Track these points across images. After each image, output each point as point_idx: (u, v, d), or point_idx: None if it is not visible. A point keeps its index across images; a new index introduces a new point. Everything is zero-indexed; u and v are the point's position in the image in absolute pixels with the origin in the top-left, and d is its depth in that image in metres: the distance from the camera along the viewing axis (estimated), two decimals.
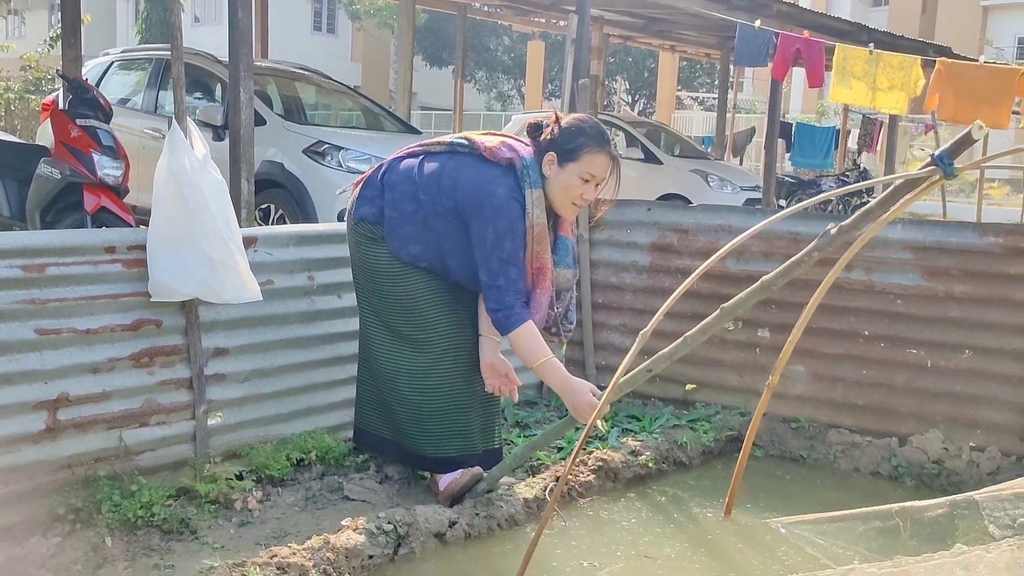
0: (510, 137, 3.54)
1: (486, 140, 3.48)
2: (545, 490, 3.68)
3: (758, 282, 2.91)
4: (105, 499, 3.27)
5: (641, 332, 2.94)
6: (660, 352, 3.08)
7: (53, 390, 3.26)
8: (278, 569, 2.80)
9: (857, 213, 2.78)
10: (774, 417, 4.52)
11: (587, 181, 3.35)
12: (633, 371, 3.07)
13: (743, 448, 3.53)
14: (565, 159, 3.36)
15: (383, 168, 3.63)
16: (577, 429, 4.43)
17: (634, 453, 4.12)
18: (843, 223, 2.78)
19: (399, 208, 3.49)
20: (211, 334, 3.69)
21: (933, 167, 2.69)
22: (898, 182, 2.85)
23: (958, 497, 3.29)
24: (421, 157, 3.56)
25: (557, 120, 3.41)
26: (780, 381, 4.43)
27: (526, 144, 3.48)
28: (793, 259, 2.85)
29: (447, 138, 3.59)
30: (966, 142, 2.68)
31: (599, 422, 4.43)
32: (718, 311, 2.97)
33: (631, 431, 4.49)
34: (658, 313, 2.90)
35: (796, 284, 4.41)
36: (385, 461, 3.91)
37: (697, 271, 2.93)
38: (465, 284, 3.52)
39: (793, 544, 3.42)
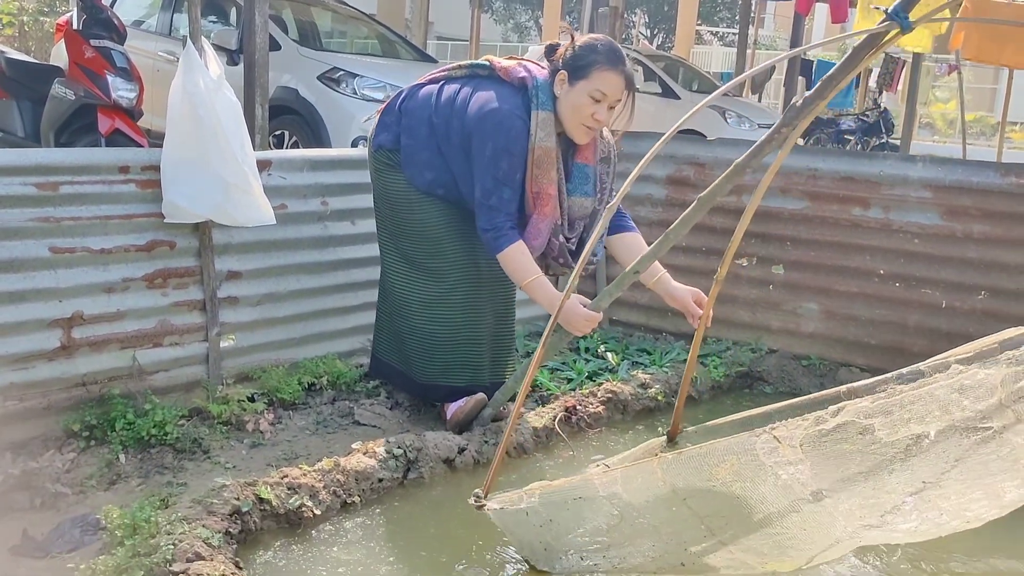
0: (530, 61, 3.47)
1: (504, 62, 3.43)
2: (554, 420, 3.70)
3: (731, 165, 2.88)
4: (119, 417, 3.31)
5: (608, 206, 2.89)
6: (643, 252, 3.06)
7: (67, 308, 3.27)
8: (289, 489, 2.83)
9: (820, 82, 2.74)
10: (784, 354, 4.52)
11: (598, 100, 3.25)
12: (621, 275, 3.08)
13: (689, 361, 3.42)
14: (576, 77, 3.27)
15: (403, 95, 3.58)
16: (575, 351, 4.47)
17: (643, 386, 4.14)
18: (807, 94, 2.74)
19: (414, 134, 3.45)
20: (224, 257, 3.69)
21: (889, 22, 2.65)
22: (859, 42, 2.78)
23: (904, 370, 3.28)
24: (441, 82, 3.51)
25: (572, 40, 3.34)
26: (792, 318, 4.45)
27: (543, 67, 3.42)
28: (762, 138, 2.81)
29: (467, 62, 3.53)
30: None
31: (609, 354, 4.48)
32: (695, 202, 2.94)
33: (641, 364, 4.50)
34: (629, 181, 2.84)
35: (812, 221, 4.39)
36: (396, 388, 3.94)
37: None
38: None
39: None
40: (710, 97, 2.99)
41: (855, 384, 3.33)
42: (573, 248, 3.49)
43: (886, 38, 2.62)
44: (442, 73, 3.56)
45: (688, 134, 10.89)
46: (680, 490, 2.62)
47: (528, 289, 3.30)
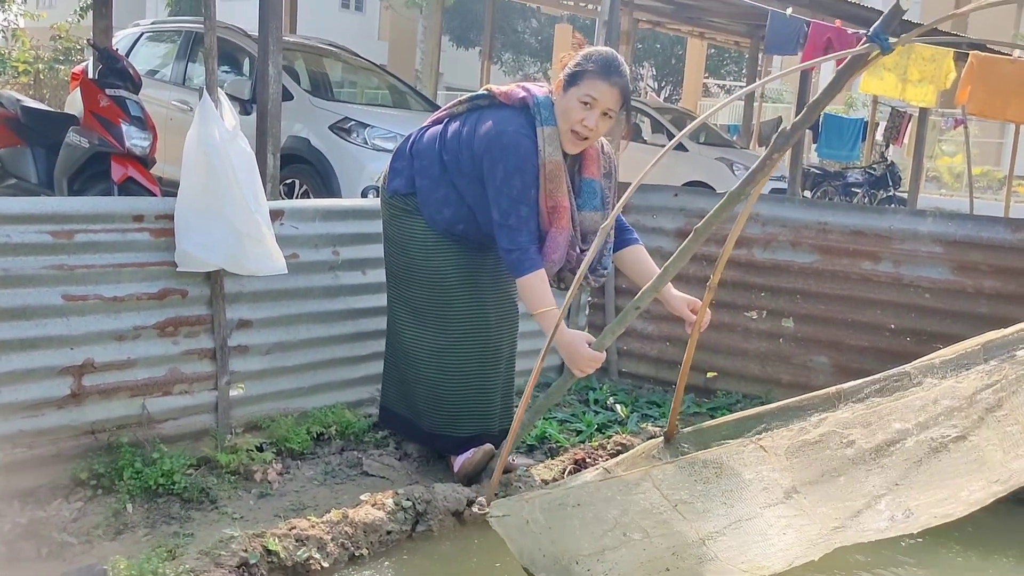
0: (528, 83, 3.52)
1: (502, 87, 3.50)
2: (563, 472, 3.68)
3: (726, 195, 2.92)
4: (127, 466, 3.30)
5: (601, 227, 3.00)
6: (645, 287, 3.12)
7: (79, 356, 3.28)
8: (297, 541, 2.81)
9: (806, 108, 2.79)
10: None
11: (587, 105, 3.27)
12: (622, 312, 3.13)
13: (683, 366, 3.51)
14: (568, 84, 3.32)
15: (411, 139, 3.63)
16: (584, 403, 4.45)
17: (653, 438, 4.10)
18: (796, 119, 2.78)
19: (428, 174, 3.49)
20: (235, 305, 3.70)
21: (870, 44, 2.69)
22: (841, 67, 2.84)
23: (892, 371, 3.40)
24: (445, 121, 3.57)
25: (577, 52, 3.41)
26: (803, 372, 4.43)
27: (543, 87, 3.48)
28: (755, 165, 2.86)
29: (467, 95, 3.58)
30: (897, 15, 2.73)
31: (619, 406, 4.46)
32: (692, 232, 2.99)
33: (651, 417, 4.47)
34: (619, 204, 2.91)
35: (823, 274, 4.39)
36: (404, 438, 3.92)
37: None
38: (495, 258, 3.51)
39: None
40: (675, 140, 3.07)
41: (844, 385, 3.41)
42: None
43: (868, 59, 2.68)
44: (444, 112, 3.62)
45: (697, 186, 10.99)
46: (671, 497, 2.70)
47: (540, 318, 3.29)
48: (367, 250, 4.13)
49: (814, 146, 14.73)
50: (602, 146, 3.54)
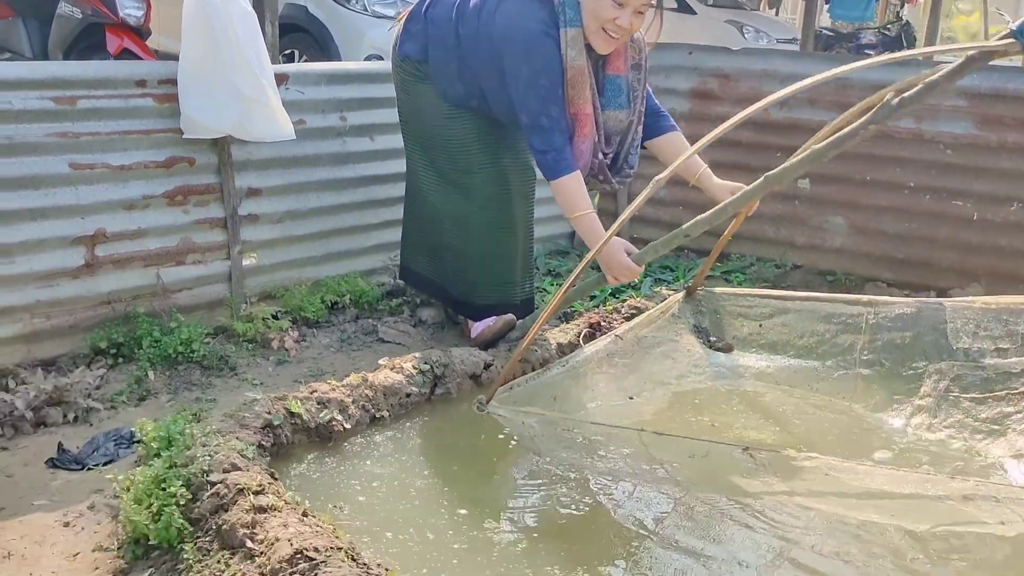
0: None
1: None
2: (579, 335, 3.68)
3: (808, 152, 2.75)
4: (145, 335, 3.31)
5: (655, 179, 2.81)
6: (699, 217, 2.95)
7: (90, 225, 3.24)
8: (318, 404, 2.83)
9: (921, 84, 2.59)
10: (810, 270, 4.47)
11: (620, 4, 3.07)
12: (669, 234, 2.98)
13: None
14: None
15: (427, 1, 3.46)
16: (596, 269, 4.43)
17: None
18: (905, 94, 2.60)
19: (442, 44, 3.34)
20: (244, 173, 3.64)
21: (1011, 40, 2.50)
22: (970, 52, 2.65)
23: (929, 300, 3.32)
24: None
25: None
26: (818, 233, 4.40)
27: None
28: (847, 130, 2.68)
29: None
30: None
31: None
32: (762, 179, 2.83)
33: (664, 281, 4.47)
34: (675, 163, 2.76)
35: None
36: (420, 304, 3.92)
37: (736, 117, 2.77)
38: (512, 127, 3.41)
39: None
40: None
41: (877, 298, 3.34)
42: (610, 163, 3.40)
43: (997, 55, 2.48)
44: None
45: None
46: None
47: (577, 223, 3.18)
48: (375, 115, 4.03)
49: (826, 6, 14.25)
50: (632, 35, 3.31)
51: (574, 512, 2.48)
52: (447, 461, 2.77)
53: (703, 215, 2.89)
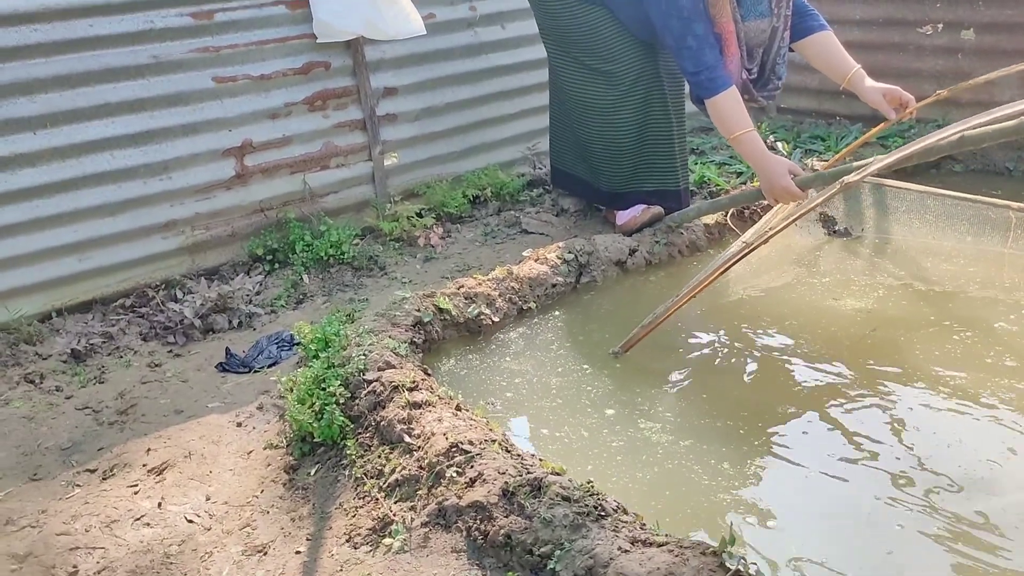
0: None
1: None
2: (726, 215, 3.58)
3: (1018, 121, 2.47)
4: (298, 239, 3.43)
5: (843, 181, 2.58)
6: (882, 159, 2.65)
7: (237, 137, 3.35)
8: (466, 299, 2.87)
9: None
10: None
11: None
12: (839, 167, 2.75)
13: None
14: None
15: None
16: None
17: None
18: None
19: None
20: (379, 73, 3.65)
21: None
22: None
23: None
24: None
25: None
26: (986, 89, 4.03)
27: None
28: None
29: None
30: None
31: (780, 144, 4.25)
32: (958, 138, 2.56)
33: (815, 151, 4.25)
34: (872, 167, 2.52)
35: None
36: (560, 195, 3.89)
37: None
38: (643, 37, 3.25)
39: None
40: None
41: None
42: (754, 78, 3.20)
43: None
44: None
45: None
46: None
47: (737, 142, 3.00)
48: (505, 2, 3.95)
49: None
50: None
51: (726, 413, 2.40)
52: (593, 357, 2.74)
53: (884, 160, 2.62)
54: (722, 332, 2.77)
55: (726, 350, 2.66)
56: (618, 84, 3.38)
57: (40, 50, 2.93)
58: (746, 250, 2.53)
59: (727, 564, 1.51)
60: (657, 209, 3.47)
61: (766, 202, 3.20)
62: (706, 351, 2.68)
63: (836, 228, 3.44)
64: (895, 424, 2.21)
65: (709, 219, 3.53)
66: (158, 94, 3.15)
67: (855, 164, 2.76)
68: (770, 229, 2.54)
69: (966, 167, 4.09)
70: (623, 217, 3.54)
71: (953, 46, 4.13)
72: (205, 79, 3.24)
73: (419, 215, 3.71)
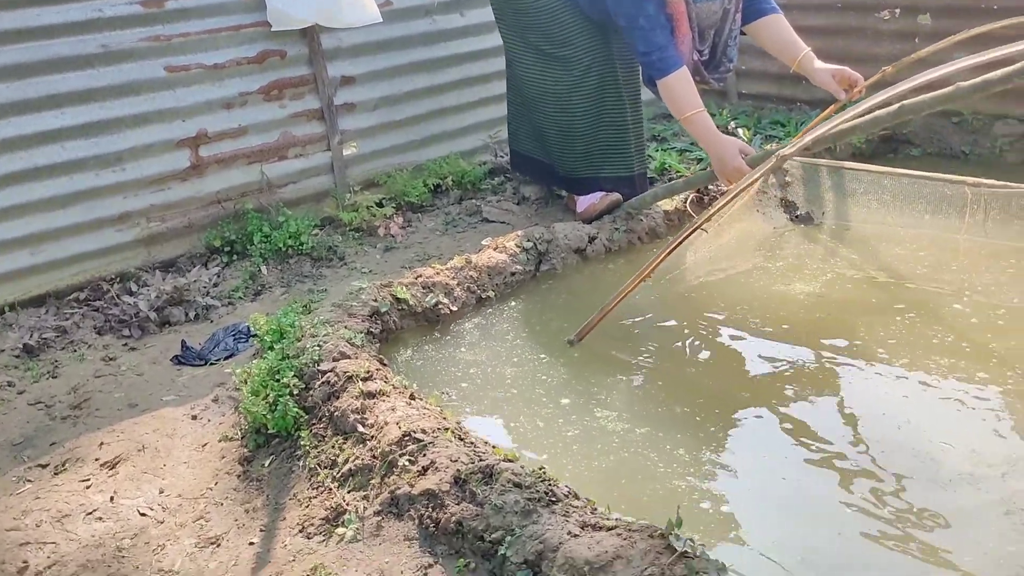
0: None
1: None
2: (685, 202, 3.58)
3: (952, 87, 2.47)
4: (256, 231, 3.40)
5: (777, 154, 2.58)
6: (822, 131, 2.65)
7: (191, 127, 3.31)
8: (424, 288, 2.85)
9: None
10: (931, 113, 4.17)
11: None
12: (800, 141, 2.77)
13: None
14: None
15: None
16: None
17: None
18: None
19: None
20: (336, 62, 3.62)
21: None
22: None
23: None
24: None
25: None
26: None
27: None
28: (996, 74, 2.39)
29: None
30: None
31: (741, 130, 4.26)
32: (897, 107, 2.57)
33: (775, 137, 4.27)
34: (806, 139, 2.53)
35: None
36: (523, 181, 3.88)
37: None
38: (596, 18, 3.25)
39: None
40: None
41: (982, 180, 3.02)
42: (706, 59, 3.21)
43: None
44: None
45: None
46: None
47: (689, 123, 3.02)
48: None
49: None
50: None
51: (682, 400, 2.40)
52: (550, 346, 2.73)
53: (827, 131, 2.63)
54: (678, 320, 2.78)
55: (682, 338, 2.67)
56: (572, 69, 3.38)
57: None
58: (691, 229, 2.53)
59: (674, 546, 1.52)
60: (615, 196, 3.48)
61: (722, 186, 3.20)
62: (662, 339, 2.69)
63: (798, 213, 3.46)
64: (846, 408, 2.24)
65: (669, 205, 3.54)
66: (108, 84, 3.11)
67: (809, 139, 2.78)
68: (715, 209, 2.55)
69: (923, 151, 4.12)
70: (582, 204, 3.54)
71: (909, 31, 4.16)
72: (157, 68, 3.20)
73: (379, 205, 3.69)
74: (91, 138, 3.10)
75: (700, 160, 4.07)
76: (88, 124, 3.09)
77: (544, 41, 3.39)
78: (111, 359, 2.81)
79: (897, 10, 4.16)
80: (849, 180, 3.37)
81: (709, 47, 3.19)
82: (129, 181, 3.20)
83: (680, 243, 2.51)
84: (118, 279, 3.20)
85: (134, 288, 3.15)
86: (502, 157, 4.06)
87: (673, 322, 2.77)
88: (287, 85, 3.50)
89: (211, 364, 2.73)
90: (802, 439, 2.12)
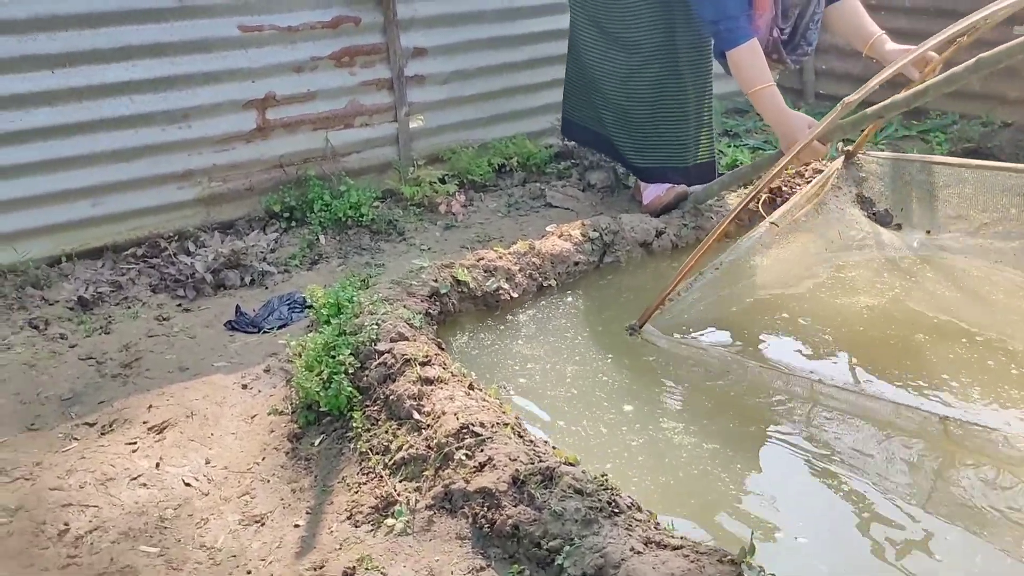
0: None
1: None
2: (759, 202, 3.45)
3: None
4: (316, 198, 3.34)
5: (843, 100, 2.52)
6: (896, 97, 2.65)
7: (260, 89, 3.25)
8: (485, 272, 2.77)
9: None
10: (1022, 127, 4.00)
11: None
12: (859, 114, 2.69)
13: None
14: None
15: None
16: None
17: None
18: None
19: None
20: (410, 33, 3.54)
21: None
22: None
23: None
24: None
25: None
26: None
27: None
28: None
29: None
30: None
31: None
32: (974, 61, 2.47)
33: (851, 140, 4.11)
34: (871, 83, 2.45)
35: None
36: (589, 167, 3.78)
37: None
38: None
39: None
40: None
41: None
42: (786, 39, 3.09)
43: None
44: None
45: None
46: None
47: (756, 97, 2.93)
48: None
49: None
50: None
51: (754, 418, 2.28)
52: (612, 346, 2.63)
53: (900, 95, 2.62)
54: (747, 331, 2.65)
55: (754, 352, 2.55)
56: (635, 53, 3.29)
57: None
58: (748, 198, 2.45)
59: (745, 575, 1.43)
60: (682, 188, 3.38)
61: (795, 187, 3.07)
62: (732, 350, 2.58)
63: (875, 210, 3.31)
64: (930, 436, 2.10)
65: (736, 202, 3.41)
66: (181, 39, 3.06)
67: (876, 107, 2.67)
68: (768, 178, 2.47)
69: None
70: (648, 196, 3.44)
71: (1004, 40, 3.95)
72: (230, 27, 3.14)
73: (442, 181, 3.62)
74: (160, 92, 3.06)
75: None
76: (158, 79, 3.05)
77: (610, 21, 3.29)
78: (164, 319, 2.77)
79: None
80: (928, 174, 3.23)
81: (791, 26, 3.09)
82: (195, 139, 3.16)
83: (744, 206, 2.42)
84: (176, 237, 3.16)
85: (192, 248, 3.11)
86: (569, 142, 3.95)
87: (740, 334, 2.65)
88: (359, 52, 3.43)
89: (264, 332, 2.68)
90: (885, 470, 1.98)
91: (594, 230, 3.08)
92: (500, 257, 2.85)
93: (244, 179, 3.30)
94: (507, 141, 3.87)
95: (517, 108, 3.94)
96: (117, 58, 2.96)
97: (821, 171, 3.61)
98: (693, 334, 2.59)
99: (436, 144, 3.76)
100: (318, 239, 3.24)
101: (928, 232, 3.11)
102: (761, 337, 2.61)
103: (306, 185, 3.39)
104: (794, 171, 3.64)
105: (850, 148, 3.22)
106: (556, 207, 3.61)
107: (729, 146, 4.05)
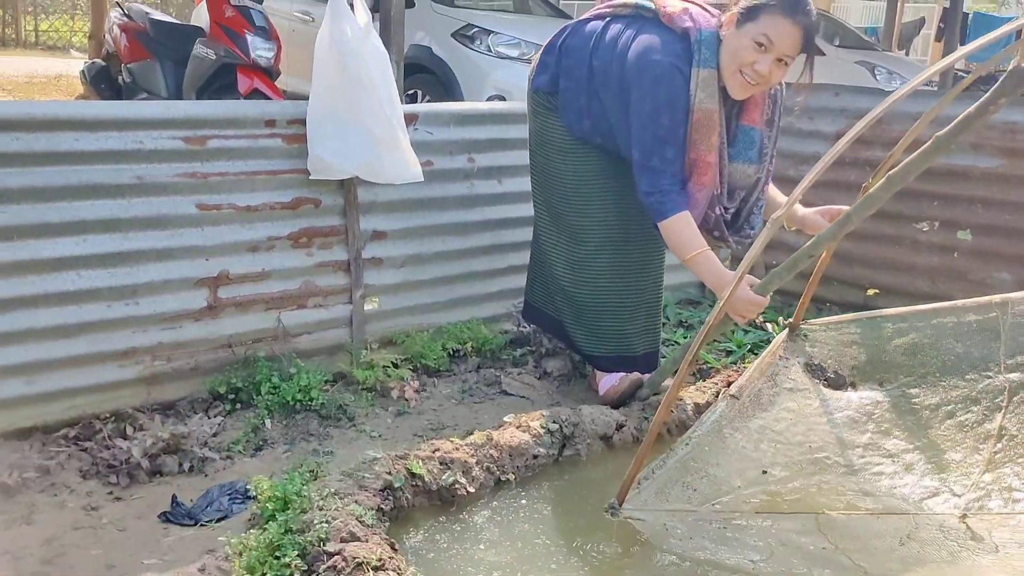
0: (700, 5, 3.13)
1: (669, 4, 3.08)
2: (716, 395, 3.42)
3: (931, 140, 2.48)
4: (264, 380, 3.21)
5: (772, 217, 2.58)
6: (822, 232, 2.70)
7: (214, 267, 3.17)
8: (441, 464, 2.65)
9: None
10: None
11: (761, 47, 2.84)
12: (790, 258, 2.74)
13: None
14: (743, 19, 2.88)
15: (565, 32, 3.28)
16: (734, 329, 4.13)
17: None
18: None
19: (573, 76, 3.18)
20: (369, 216, 3.54)
21: None
22: None
23: None
24: (607, 19, 3.18)
25: None
26: (980, 289, 3.99)
27: (712, 15, 3.08)
28: (970, 109, 2.38)
29: (633, 0, 3.20)
30: None
31: (769, 324, 4.15)
32: (885, 180, 2.55)
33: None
34: (794, 193, 2.52)
35: (1009, 180, 3.95)
36: (545, 355, 3.73)
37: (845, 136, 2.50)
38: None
39: None
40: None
41: (1013, 295, 2.99)
42: (729, 219, 3.15)
43: None
44: (607, 9, 3.22)
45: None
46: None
47: (692, 264, 2.95)
48: (504, 157, 3.89)
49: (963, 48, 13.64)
50: (770, 90, 3.09)
51: None
52: (577, 543, 2.49)
53: (825, 230, 2.70)
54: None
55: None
56: (586, 242, 3.32)
57: (18, 159, 2.79)
58: (696, 345, 2.42)
59: None
60: (635, 376, 3.34)
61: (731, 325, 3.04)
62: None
63: (828, 375, 3.25)
64: None
65: (699, 398, 3.37)
66: (137, 216, 2.99)
67: (805, 246, 2.71)
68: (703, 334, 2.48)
69: None
70: (603, 386, 3.40)
71: (949, 245, 4.09)
72: (189, 205, 3.09)
73: (395, 365, 3.52)
74: (109, 268, 2.96)
75: (730, 352, 3.94)
76: (109, 254, 2.95)
77: (563, 205, 3.35)
78: (93, 508, 2.56)
79: (936, 223, 4.12)
80: (872, 329, 3.23)
81: (735, 208, 3.16)
82: (141, 316, 3.04)
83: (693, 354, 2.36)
84: (113, 418, 2.98)
85: (129, 431, 2.92)
86: (525, 328, 3.92)
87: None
88: (317, 234, 3.40)
89: (201, 525, 2.49)
90: None
91: (554, 422, 2.99)
92: (457, 448, 2.73)
93: (189, 359, 3.17)
94: (462, 326, 3.82)
95: (474, 293, 3.91)
96: (68, 232, 2.88)
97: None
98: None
99: (390, 327, 3.69)
100: (264, 423, 3.09)
101: (880, 384, 3.09)
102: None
103: (254, 366, 3.26)
104: (750, 364, 3.64)
105: (791, 321, 3.23)
106: (512, 395, 3.53)
107: (683, 336, 4.05)
